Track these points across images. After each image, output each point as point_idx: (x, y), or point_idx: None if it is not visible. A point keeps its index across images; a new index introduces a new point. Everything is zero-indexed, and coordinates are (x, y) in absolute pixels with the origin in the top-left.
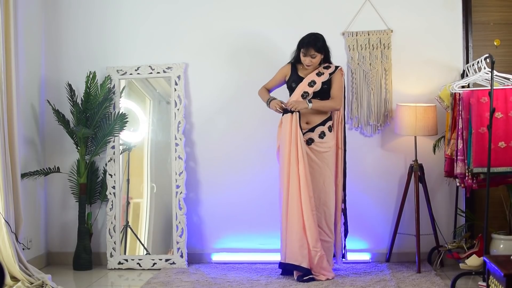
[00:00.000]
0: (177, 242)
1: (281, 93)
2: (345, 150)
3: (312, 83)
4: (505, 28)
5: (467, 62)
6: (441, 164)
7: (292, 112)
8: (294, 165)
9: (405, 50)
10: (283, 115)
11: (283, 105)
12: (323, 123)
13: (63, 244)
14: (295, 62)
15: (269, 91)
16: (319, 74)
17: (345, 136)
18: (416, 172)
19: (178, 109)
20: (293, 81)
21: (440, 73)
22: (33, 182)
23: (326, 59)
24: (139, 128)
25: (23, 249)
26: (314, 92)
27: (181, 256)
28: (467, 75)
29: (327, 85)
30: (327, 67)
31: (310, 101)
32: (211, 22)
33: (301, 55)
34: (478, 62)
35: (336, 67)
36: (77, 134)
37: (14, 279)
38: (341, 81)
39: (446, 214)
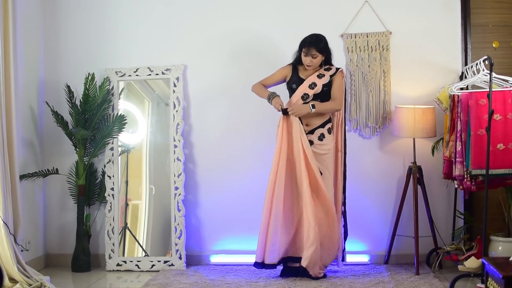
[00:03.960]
0: (176, 244)
1: (281, 93)
2: (345, 153)
3: (312, 85)
4: (504, 30)
5: (466, 64)
6: (440, 166)
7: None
8: (288, 165)
9: (403, 52)
10: (282, 115)
11: (283, 106)
12: (322, 125)
13: (62, 245)
14: (296, 63)
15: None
16: (320, 76)
17: (345, 139)
18: (415, 174)
19: (176, 111)
20: (293, 82)
21: (439, 75)
22: (32, 184)
23: (327, 61)
24: (137, 130)
25: (22, 250)
26: (314, 94)
27: (180, 258)
28: (465, 77)
29: (327, 87)
30: (328, 69)
31: (313, 106)
32: (209, 23)
33: (302, 54)
34: (476, 64)
35: (337, 69)
36: (76, 136)
37: (13, 280)
38: (341, 82)
39: (444, 216)
